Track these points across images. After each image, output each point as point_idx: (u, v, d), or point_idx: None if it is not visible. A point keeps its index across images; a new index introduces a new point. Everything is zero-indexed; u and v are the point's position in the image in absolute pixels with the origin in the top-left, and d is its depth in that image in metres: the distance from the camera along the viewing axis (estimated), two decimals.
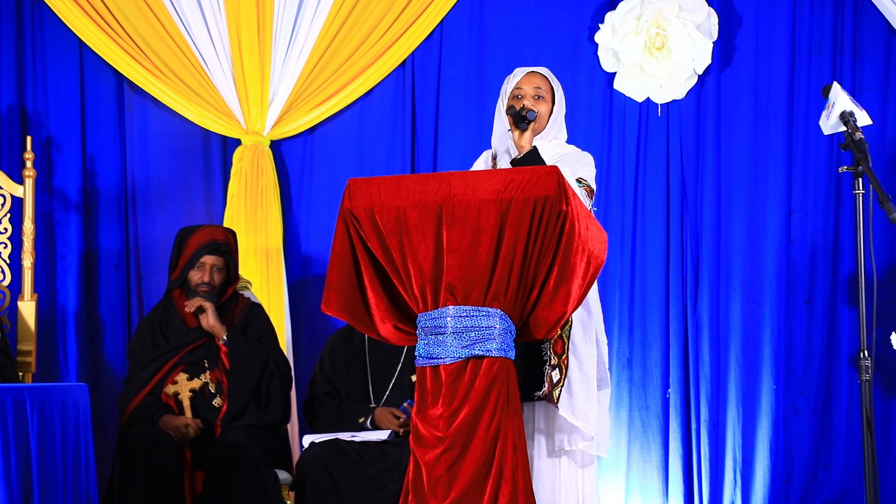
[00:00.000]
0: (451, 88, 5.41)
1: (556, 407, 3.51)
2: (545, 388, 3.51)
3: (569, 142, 3.93)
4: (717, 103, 5.29)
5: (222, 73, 5.34)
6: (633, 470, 5.19)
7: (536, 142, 3.75)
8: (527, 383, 3.53)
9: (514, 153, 3.72)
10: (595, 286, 3.66)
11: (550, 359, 3.52)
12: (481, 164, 3.90)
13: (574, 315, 3.52)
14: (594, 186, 3.77)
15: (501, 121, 3.82)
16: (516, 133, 3.68)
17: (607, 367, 3.71)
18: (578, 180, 3.67)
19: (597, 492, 3.71)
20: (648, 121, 5.30)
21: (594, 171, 3.80)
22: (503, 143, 3.81)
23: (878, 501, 3.51)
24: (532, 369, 3.54)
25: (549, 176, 3.11)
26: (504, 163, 3.78)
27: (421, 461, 3.16)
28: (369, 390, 4.59)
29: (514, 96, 3.82)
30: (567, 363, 3.52)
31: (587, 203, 3.66)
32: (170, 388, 4.45)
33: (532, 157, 3.61)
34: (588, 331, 3.57)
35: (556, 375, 3.51)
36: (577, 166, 3.72)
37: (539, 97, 3.81)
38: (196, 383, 4.46)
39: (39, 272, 5.07)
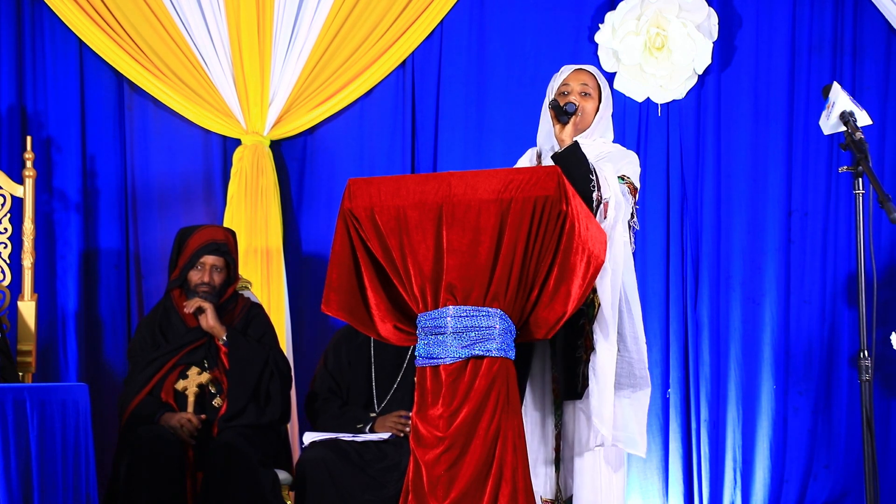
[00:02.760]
0: (451, 88, 5.41)
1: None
2: (581, 385, 3.50)
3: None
4: (717, 103, 5.29)
5: (222, 73, 5.34)
6: (633, 470, 5.19)
7: (580, 139, 3.72)
8: (568, 383, 3.53)
9: (557, 147, 3.71)
10: (635, 284, 3.65)
11: (582, 356, 3.51)
12: (525, 161, 3.87)
13: (601, 312, 3.50)
14: (637, 185, 3.73)
15: (547, 118, 3.79)
16: (557, 127, 3.65)
17: (646, 366, 3.66)
18: (621, 177, 3.64)
19: (624, 494, 3.69)
20: (648, 121, 5.31)
21: (638, 169, 3.77)
22: (548, 141, 3.78)
23: (878, 501, 3.50)
24: (571, 368, 3.52)
25: (549, 176, 3.11)
26: (549, 160, 3.76)
27: (421, 461, 3.16)
28: (372, 388, 4.59)
29: (561, 93, 3.80)
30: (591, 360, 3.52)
31: (629, 200, 3.64)
32: (179, 383, 4.45)
33: (572, 152, 3.56)
34: (603, 327, 3.53)
35: (589, 371, 3.50)
36: (620, 163, 3.70)
37: (586, 94, 3.79)
38: (205, 377, 4.45)
39: (39, 272, 5.07)
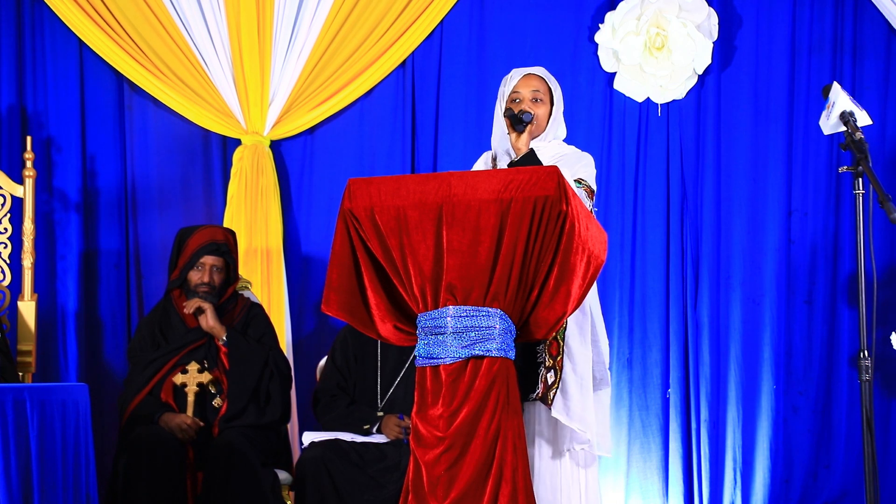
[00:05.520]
0: (451, 88, 5.41)
1: (550, 409, 3.50)
2: (539, 390, 3.50)
3: (569, 142, 3.93)
4: (717, 103, 5.29)
5: (222, 73, 5.34)
6: (633, 470, 5.19)
7: (536, 143, 3.74)
8: (523, 385, 3.53)
9: (514, 155, 3.72)
10: (595, 287, 3.66)
11: (545, 361, 3.51)
12: (481, 165, 3.89)
13: (572, 316, 3.51)
14: (594, 187, 3.76)
15: (500, 122, 3.81)
16: (513, 135, 3.68)
17: (608, 366, 3.69)
18: (578, 181, 3.66)
19: (599, 491, 3.71)
20: (648, 121, 5.31)
21: (594, 171, 3.79)
22: (503, 145, 3.80)
23: (878, 501, 3.50)
24: (527, 371, 3.53)
25: (549, 176, 3.11)
26: (504, 164, 3.77)
27: (421, 461, 3.16)
28: (377, 384, 4.59)
29: (512, 100, 3.80)
30: (562, 365, 3.51)
31: (587, 204, 3.66)
32: (178, 378, 4.45)
33: (529, 160, 3.61)
34: (584, 332, 3.55)
35: (550, 377, 3.50)
36: (576, 167, 3.71)
37: (537, 100, 3.80)
38: (205, 377, 4.45)
39: (39, 272, 5.07)
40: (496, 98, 5.31)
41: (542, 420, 3.58)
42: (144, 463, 4.17)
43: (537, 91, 3.80)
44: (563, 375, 3.50)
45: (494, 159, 3.84)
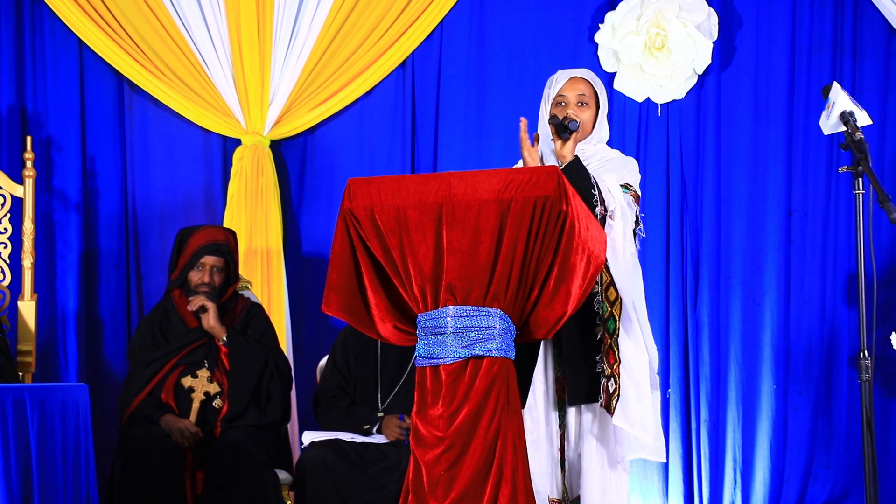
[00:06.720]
0: (451, 88, 5.41)
1: (612, 417, 3.49)
2: (602, 400, 3.50)
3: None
4: (717, 103, 5.29)
5: (222, 73, 5.34)
6: (634, 470, 5.18)
7: (581, 146, 3.72)
8: (578, 389, 3.53)
9: (557, 162, 3.70)
10: (642, 292, 3.66)
11: (604, 370, 3.52)
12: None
13: (621, 323, 3.52)
14: (640, 192, 3.74)
15: (545, 124, 3.79)
16: (558, 143, 3.65)
17: (655, 370, 3.67)
18: (625, 186, 3.65)
19: (628, 491, 3.71)
20: (648, 121, 5.31)
21: (639, 176, 3.78)
22: (549, 146, 3.79)
23: (878, 501, 3.50)
24: (586, 378, 3.53)
25: (549, 176, 3.11)
26: (550, 162, 3.76)
27: (421, 461, 3.16)
28: (377, 385, 4.59)
29: (557, 103, 3.77)
30: (619, 373, 3.51)
31: (633, 209, 3.65)
32: (187, 380, 4.44)
33: (575, 168, 3.59)
34: (634, 336, 3.54)
35: (611, 386, 3.49)
36: (622, 172, 3.70)
37: (583, 104, 3.76)
38: (214, 387, 4.44)
39: (39, 272, 5.07)
40: (493, 99, 5.37)
41: (595, 425, 3.58)
42: (141, 463, 4.17)
43: (583, 95, 3.77)
44: (620, 383, 3.49)
45: (542, 159, 3.83)
